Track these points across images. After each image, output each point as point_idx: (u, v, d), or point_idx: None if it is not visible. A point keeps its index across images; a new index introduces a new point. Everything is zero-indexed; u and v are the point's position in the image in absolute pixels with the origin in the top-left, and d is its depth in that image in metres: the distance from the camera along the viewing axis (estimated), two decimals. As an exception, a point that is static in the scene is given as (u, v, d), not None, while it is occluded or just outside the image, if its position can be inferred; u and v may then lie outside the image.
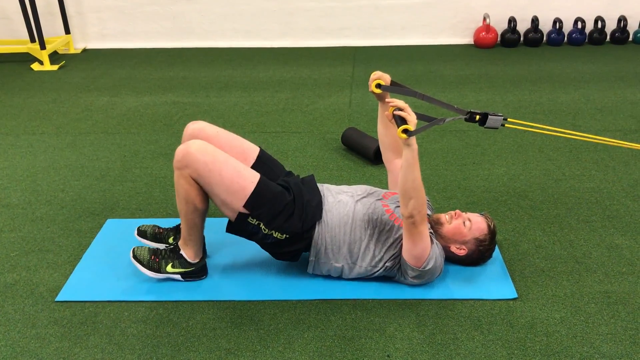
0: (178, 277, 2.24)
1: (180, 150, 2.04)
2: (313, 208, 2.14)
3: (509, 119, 2.08)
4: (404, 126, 1.89)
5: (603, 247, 2.45)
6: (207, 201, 2.13)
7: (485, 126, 2.06)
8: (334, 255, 2.16)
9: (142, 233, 2.41)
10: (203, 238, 2.26)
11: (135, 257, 2.21)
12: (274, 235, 2.11)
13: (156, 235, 2.41)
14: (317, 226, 2.13)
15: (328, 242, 2.14)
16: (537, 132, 3.52)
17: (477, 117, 2.04)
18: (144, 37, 5.75)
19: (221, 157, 2.05)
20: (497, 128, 2.07)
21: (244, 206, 2.06)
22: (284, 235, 2.11)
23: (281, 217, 2.09)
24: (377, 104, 2.35)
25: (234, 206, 2.08)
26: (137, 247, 2.24)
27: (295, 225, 2.10)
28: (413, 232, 1.99)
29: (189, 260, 2.22)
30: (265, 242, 2.16)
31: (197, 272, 2.25)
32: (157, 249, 2.25)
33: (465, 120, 2.05)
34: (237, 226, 2.13)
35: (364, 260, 2.16)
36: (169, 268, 2.21)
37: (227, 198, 2.06)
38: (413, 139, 1.91)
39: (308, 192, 2.19)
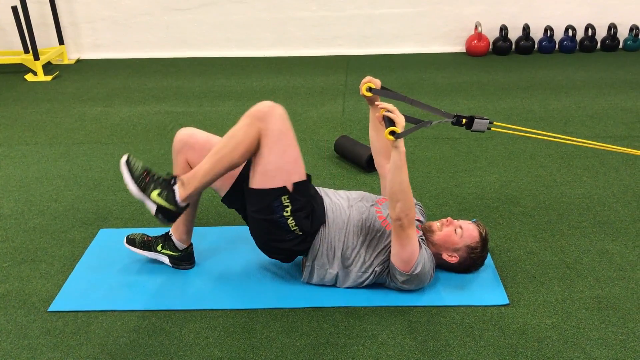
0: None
1: (266, 104, 2.04)
2: (318, 211, 2.15)
3: (494, 123, 2.12)
4: (391, 128, 1.91)
5: (594, 252, 2.46)
6: (244, 161, 2.08)
7: (471, 129, 2.09)
8: (329, 261, 2.17)
9: (130, 241, 2.42)
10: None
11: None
12: (289, 222, 2.06)
13: (145, 242, 2.41)
14: (320, 230, 2.15)
15: (324, 248, 2.15)
16: (528, 139, 3.55)
17: (464, 120, 2.07)
18: (138, 47, 5.76)
19: (292, 137, 2.09)
20: (483, 131, 2.10)
21: (294, 184, 2.06)
22: (296, 228, 2.08)
23: (305, 210, 2.10)
24: (369, 113, 2.38)
25: (278, 179, 2.03)
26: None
27: (308, 225, 2.11)
28: (401, 235, 2.01)
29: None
30: (276, 225, 2.08)
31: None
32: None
33: (452, 123, 2.09)
34: (262, 195, 2.06)
35: (355, 266, 2.17)
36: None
37: (274, 171, 2.03)
38: (401, 142, 1.93)
39: (311, 197, 2.19)
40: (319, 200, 2.21)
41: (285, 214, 2.06)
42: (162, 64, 5.54)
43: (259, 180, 2.06)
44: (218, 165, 2.04)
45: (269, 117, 2.02)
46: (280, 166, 2.04)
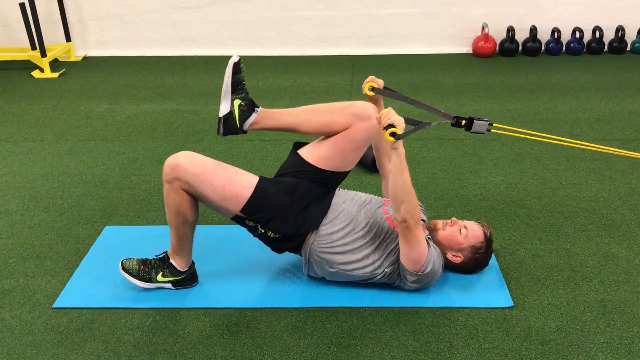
0: (169, 285, 2.24)
1: (168, 163, 2.04)
2: (312, 217, 2.15)
3: (494, 124, 2.11)
4: (392, 129, 1.91)
5: (599, 255, 2.46)
6: (197, 212, 2.14)
7: (471, 131, 2.08)
8: (328, 262, 2.17)
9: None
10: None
11: (124, 268, 2.21)
12: (268, 234, 2.14)
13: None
14: (311, 234, 2.14)
15: (323, 249, 2.14)
16: (533, 141, 3.54)
17: (463, 122, 2.07)
18: (144, 45, 5.77)
19: (210, 165, 2.06)
20: (482, 133, 2.09)
21: (241, 211, 2.08)
22: (277, 235, 2.14)
23: (277, 219, 2.10)
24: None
25: (230, 211, 2.10)
26: (125, 259, 2.24)
27: (290, 228, 2.12)
28: (408, 236, 2.00)
29: (179, 268, 2.22)
30: (262, 239, 2.19)
31: (187, 279, 2.26)
32: (146, 258, 2.25)
33: (452, 125, 2.08)
34: (237, 222, 2.17)
35: (362, 267, 2.16)
36: (159, 277, 2.22)
37: (222, 205, 2.08)
38: (400, 144, 1.93)
39: (316, 199, 2.19)
40: (318, 201, 2.19)
41: (261, 231, 2.14)
42: (169, 62, 5.55)
43: (225, 216, 2.15)
44: (181, 233, 2.15)
45: (177, 174, 2.02)
46: (222, 200, 2.06)
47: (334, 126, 2.17)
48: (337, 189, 2.31)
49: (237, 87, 2.19)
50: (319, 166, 2.18)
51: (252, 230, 2.17)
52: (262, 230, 2.13)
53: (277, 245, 2.21)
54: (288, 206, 2.12)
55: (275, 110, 2.23)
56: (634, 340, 1.99)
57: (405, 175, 1.95)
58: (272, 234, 2.13)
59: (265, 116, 2.20)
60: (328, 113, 2.19)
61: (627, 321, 2.08)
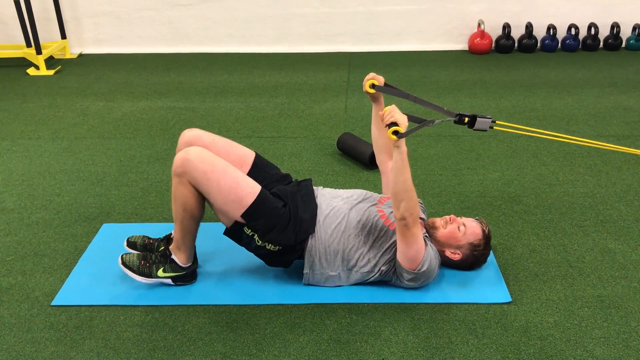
0: (169, 281, 2.24)
1: (179, 157, 2.04)
2: (307, 221, 2.14)
3: (497, 122, 2.11)
4: (395, 127, 1.91)
5: (596, 251, 2.47)
6: (203, 208, 2.14)
7: (474, 128, 2.09)
8: (329, 265, 2.17)
9: (131, 244, 2.39)
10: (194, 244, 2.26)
11: (124, 263, 2.20)
12: (267, 247, 2.12)
13: (146, 245, 2.40)
14: (310, 238, 2.14)
15: (322, 252, 2.15)
16: (530, 138, 3.55)
17: (466, 119, 2.07)
18: (140, 42, 5.76)
19: (220, 166, 2.05)
20: (485, 130, 2.10)
21: (242, 216, 2.07)
22: (277, 247, 2.12)
23: (275, 230, 2.09)
24: (372, 110, 2.38)
25: (230, 215, 2.09)
26: (125, 253, 2.23)
27: (289, 238, 2.11)
28: (406, 235, 2.01)
29: (180, 264, 2.22)
30: (258, 253, 2.18)
31: (188, 276, 2.26)
32: (147, 254, 2.25)
33: (455, 122, 2.09)
34: (231, 233, 2.15)
35: (359, 266, 2.17)
36: (160, 273, 2.22)
37: (224, 207, 2.07)
38: (402, 142, 1.93)
39: (303, 202, 2.19)
40: (306, 203, 2.19)
41: (258, 242, 2.12)
42: (164, 59, 5.53)
43: (223, 222, 2.14)
44: (186, 228, 2.15)
45: (187, 169, 2.02)
46: (225, 202, 2.06)
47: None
48: (317, 188, 2.31)
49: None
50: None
51: (248, 243, 2.15)
52: (260, 242, 2.11)
53: (278, 258, 2.18)
54: (286, 215, 2.11)
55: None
56: (631, 334, 2.01)
57: (407, 174, 1.95)
58: (272, 246, 2.12)
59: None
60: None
61: (624, 316, 2.09)
